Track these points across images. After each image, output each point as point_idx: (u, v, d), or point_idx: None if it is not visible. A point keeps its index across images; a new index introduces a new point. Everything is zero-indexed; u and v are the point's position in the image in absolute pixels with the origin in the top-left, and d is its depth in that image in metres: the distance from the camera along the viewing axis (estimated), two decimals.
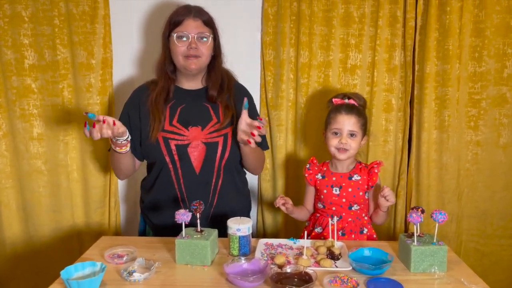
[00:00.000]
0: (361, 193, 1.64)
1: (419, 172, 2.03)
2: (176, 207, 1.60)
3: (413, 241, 1.30)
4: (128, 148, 1.56)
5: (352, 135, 1.61)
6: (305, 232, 1.38)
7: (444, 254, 1.28)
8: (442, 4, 1.88)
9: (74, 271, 1.21)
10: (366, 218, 1.68)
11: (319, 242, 1.46)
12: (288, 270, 1.23)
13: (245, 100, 1.49)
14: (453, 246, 2.05)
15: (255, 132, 1.45)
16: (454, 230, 2.07)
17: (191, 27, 1.57)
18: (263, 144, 1.78)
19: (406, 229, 2.06)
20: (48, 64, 1.89)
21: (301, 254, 1.40)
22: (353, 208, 1.64)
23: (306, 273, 1.21)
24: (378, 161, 1.67)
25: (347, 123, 1.60)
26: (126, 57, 2.01)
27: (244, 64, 2.00)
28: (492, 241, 2.08)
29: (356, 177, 1.64)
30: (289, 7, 1.92)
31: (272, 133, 2.04)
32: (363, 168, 1.67)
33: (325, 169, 1.69)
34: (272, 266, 1.27)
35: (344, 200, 1.63)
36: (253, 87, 2.02)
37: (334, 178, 1.66)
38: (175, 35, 1.57)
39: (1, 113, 1.84)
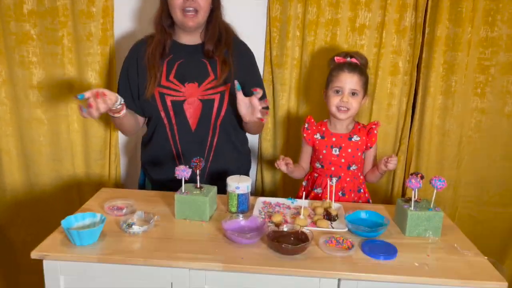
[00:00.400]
0: (359, 154, 1.64)
1: (421, 138, 2.02)
2: (173, 162, 1.62)
3: (410, 205, 1.31)
4: (124, 111, 1.53)
5: (353, 93, 1.59)
6: (304, 193, 1.39)
7: (440, 220, 1.29)
8: None
9: (74, 221, 1.23)
10: (361, 177, 1.70)
11: (317, 203, 1.48)
12: (285, 229, 1.25)
13: (236, 82, 1.46)
14: (448, 212, 2.07)
15: (264, 117, 1.44)
16: (451, 196, 2.09)
17: None
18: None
19: (404, 193, 2.08)
20: (48, 10, 1.83)
21: (298, 213, 1.42)
22: (351, 168, 1.65)
23: (303, 233, 1.23)
24: (376, 122, 1.67)
25: (349, 81, 1.58)
26: (127, 7, 1.95)
27: (249, 20, 1.94)
28: (487, 209, 2.10)
29: (355, 138, 1.64)
30: None
31: (274, 92, 2.01)
32: (362, 128, 1.67)
33: (323, 129, 1.68)
34: (269, 224, 1.29)
35: (343, 160, 1.64)
36: (258, 44, 1.97)
37: (334, 139, 1.65)
38: None
39: (0, 60, 1.80)
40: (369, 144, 1.64)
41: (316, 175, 1.70)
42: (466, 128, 2.01)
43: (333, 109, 1.61)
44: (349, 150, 1.63)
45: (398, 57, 1.94)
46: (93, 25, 1.88)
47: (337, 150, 1.64)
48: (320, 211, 1.42)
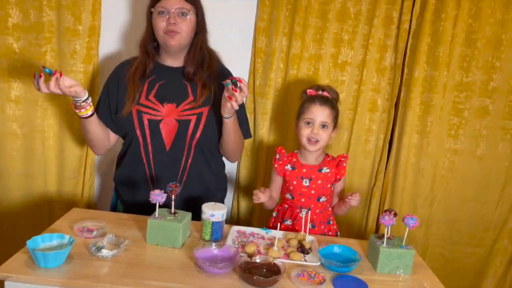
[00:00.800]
0: (329, 185, 1.66)
1: (396, 174, 2.06)
2: (146, 183, 1.60)
3: (383, 242, 1.32)
4: (89, 112, 1.50)
5: (324, 126, 1.62)
6: (278, 224, 1.39)
7: (411, 258, 1.30)
8: (437, 10, 1.89)
9: (41, 242, 1.19)
10: (330, 209, 1.72)
11: (291, 235, 1.47)
12: (258, 260, 1.24)
13: (227, 81, 1.44)
14: (419, 249, 2.10)
15: (236, 97, 1.42)
16: (423, 234, 2.12)
17: (171, 2, 1.54)
18: (245, 131, 1.77)
19: (377, 229, 2.10)
20: (33, 25, 1.82)
21: (272, 244, 1.41)
22: (321, 200, 1.66)
23: (275, 265, 1.22)
24: (345, 154, 1.71)
25: (320, 113, 1.61)
26: (114, 28, 1.96)
27: (236, 49, 1.98)
28: (457, 248, 2.14)
29: (325, 170, 1.66)
30: None
31: (256, 121, 2.03)
32: (331, 160, 1.69)
33: (294, 160, 1.69)
34: (242, 254, 1.28)
35: (313, 191, 1.65)
36: (242, 73, 2.00)
37: (304, 170, 1.66)
38: (156, 11, 1.56)
39: None
40: (338, 177, 1.67)
41: (286, 206, 1.70)
42: (439, 168, 2.06)
43: (304, 140, 1.63)
44: (319, 182, 1.65)
45: (377, 94, 1.99)
46: (78, 43, 1.87)
47: (307, 181, 1.65)
48: (294, 243, 1.41)
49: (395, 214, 1.34)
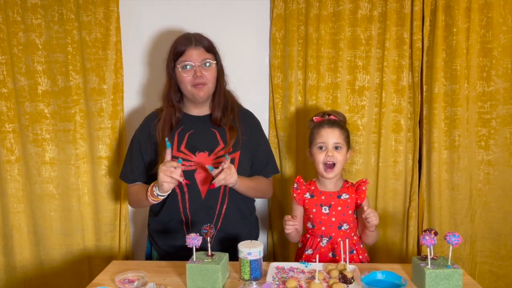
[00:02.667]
0: (350, 212, 1.63)
1: (430, 193, 2.01)
2: (181, 230, 1.62)
3: (427, 264, 1.28)
4: (160, 200, 1.59)
5: (337, 147, 1.61)
6: (317, 256, 1.36)
7: (459, 278, 1.25)
8: (448, 26, 1.90)
9: None
10: (355, 237, 1.66)
11: (331, 266, 1.44)
12: None
13: (207, 166, 1.53)
14: (467, 268, 2.01)
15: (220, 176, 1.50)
16: (468, 251, 2.03)
17: (194, 56, 1.60)
18: (272, 168, 1.78)
19: (419, 251, 2.03)
20: (61, 90, 1.93)
21: (313, 278, 1.38)
22: (342, 228, 1.62)
23: None
24: (364, 179, 1.67)
25: (331, 136, 1.61)
26: (136, 83, 2.05)
27: (253, 88, 2.04)
28: (506, 262, 2.03)
29: (344, 196, 1.63)
30: (296, 31, 1.95)
31: (281, 155, 2.04)
32: (350, 186, 1.67)
33: (313, 188, 1.68)
34: None
35: (333, 219, 1.61)
36: (262, 110, 2.04)
37: (323, 197, 1.64)
38: (180, 65, 1.61)
39: (14, 138, 1.87)
40: (358, 201, 1.63)
41: (308, 236, 1.67)
42: (475, 181, 2.00)
43: (320, 166, 1.62)
44: (339, 208, 1.62)
45: (399, 115, 1.99)
46: (104, 101, 1.96)
47: (327, 208, 1.62)
48: (335, 273, 1.38)
49: (436, 233, 1.30)
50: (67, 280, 2.01)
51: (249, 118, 1.79)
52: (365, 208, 1.53)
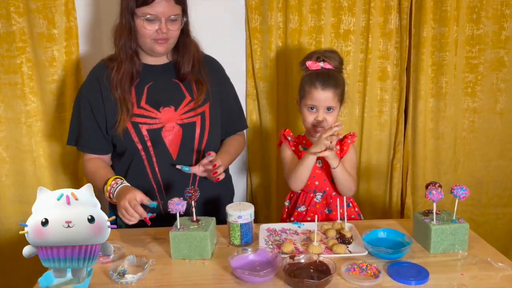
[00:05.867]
0: None
1: (415, 143, 1.94)
2: (153, 197, 1.41)
3: (432, 219, 1.19)
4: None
5: (329, 109, 1.44)
6: (316, 216, 1.24)
7: (466, 232, 1.19)
8: None
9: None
10: None
11: (327, 225, 1.34)
12: (302, 260, 1.10)
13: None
14: None
15: (219, 176, 1.34)
16: (450, 201, 2.00)
17: (162, 9, 1.32)
18: (239, 125, 1.63)
19: (403, 204, 1.99)
20: (2, 36, 1.63)
21: (308, 239, 1.28)
22: None
23: (322, 263, 1.09)
24: (352, 133, 1.53)
25: (323, 99, 1.42)
26: (93, 28, 1.77)
27: (227, 32, 1.83)
28: (487, 211, 2.04)
29: (337, 148, 1.48)
30: None
31: (260, 106, 1.88)
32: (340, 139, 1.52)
33: (304, 141, 1.53)
34: (283, 256, 1.14)
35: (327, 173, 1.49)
36: (238, 57, 1.85)
37: None
38: (142, 16, 1.33)
39: None
40: (342, 155, 1.49)
41: (299, 192, 1.54)
42: (459, 130, 1.95)
43: (309, 126, 1.47)
44: None
45: (386, 61, 1.87)
46: (55, 49, 1.69)
47: (320, 162, 1.48)
48: (332, 233, 1.28)
49: (440, 186, 1.21)
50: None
51: (215, 66, 1.57)
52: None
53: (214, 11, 1.77)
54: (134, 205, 1.21)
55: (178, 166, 1.38)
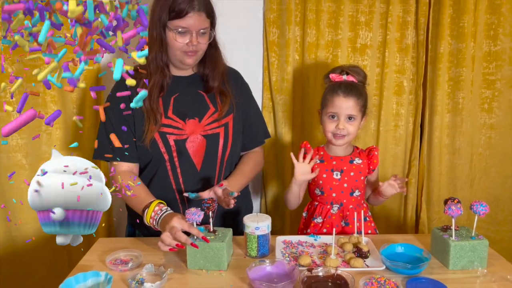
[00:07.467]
0: (362, 178, 1.51)
1: (431, 158, 1.93)
2: (175, 208, 1.41)
3: (450, 235, 1.19)
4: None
5: (350, 118, 1.45)
6: (334, 229, 1.24)
7: (485, 249, 1.18)
8: None
9: (75, 284, 1.04)
10: (365, 205, 1.56)
11: (344, 239, 1.33)
12: (320, 274, 1.10)
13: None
14: None
15: (231, 202, 1.30)
16: (466, 217, 1.99)
17: (194, 22, 1.33)
18: (260, 137, 1.62)
19: (417, 219, 1.97)
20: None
21: (325, 252, 1.27)
22: (354, 194, 1.50)
23: (340, 276, 1.08)
24: (374, 146, 1.55)
25: (345, 106, 1.43)
26: None
27: (244, 45, 1.85)
28: (503, 228, 2.01)
29: (357, 161, 1.50)
30: None
31: (276, 119, 1.89)
32: (362, 152, 1.54)
33: (321, 153, 1.54)
34: (301, 268, 1.14)
35: (345, 185, 1.49)
36: (256, 70, 1.87)
37: (334, 162, 1.50)
38: (174, 29, 1.33)
39: None
40: (371, 167, 1.51)
41: (316, 203, 1.54)
42: (476, 146, 1.94)
43: (329, 135, 1.48)
44: (352, 174, 1.49)
45: (402, 76, 1.87)
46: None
47: (339, 174, 1.49)
48: (349, 247, 1.28)
49: (459, 202, 1.21)
50: (43, 256, 1.83)
51: (238, 79, 1.58)
52: (397, 176, 1.45)
53: (232, 24, 1.79)
54: (175, 233, 1.17)
55: (185, 194, 1.37)
